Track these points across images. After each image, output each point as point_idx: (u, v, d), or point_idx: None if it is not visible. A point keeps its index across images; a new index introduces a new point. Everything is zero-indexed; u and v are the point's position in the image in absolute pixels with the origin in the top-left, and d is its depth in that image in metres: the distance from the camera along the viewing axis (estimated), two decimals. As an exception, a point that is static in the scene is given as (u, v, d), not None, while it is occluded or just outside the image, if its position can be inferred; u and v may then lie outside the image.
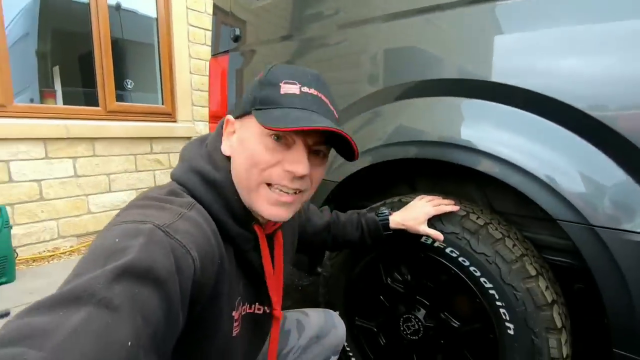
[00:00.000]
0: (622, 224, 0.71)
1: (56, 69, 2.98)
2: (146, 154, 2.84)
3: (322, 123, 0.53)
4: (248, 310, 0.69)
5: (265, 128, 0.53)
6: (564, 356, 0.83)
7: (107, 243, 0.42)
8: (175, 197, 0.54)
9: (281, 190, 0.57)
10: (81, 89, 2.93)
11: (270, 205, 0.58)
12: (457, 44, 0.95)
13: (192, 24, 3.02)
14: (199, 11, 3.05)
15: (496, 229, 0.90)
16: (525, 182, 0.82)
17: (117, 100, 2.72)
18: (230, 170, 0.60)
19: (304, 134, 0.55)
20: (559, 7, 0.79)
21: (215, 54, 1.68)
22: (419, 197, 1.00)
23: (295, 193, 0.59)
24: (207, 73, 3.17)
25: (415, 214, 0.93)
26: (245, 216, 0.60)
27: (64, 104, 2.58)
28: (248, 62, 1.57)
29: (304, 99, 0.56)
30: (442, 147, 0.96)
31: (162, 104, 3.00)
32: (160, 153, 2.93)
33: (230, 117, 0.62)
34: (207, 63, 3.17)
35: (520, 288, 0.83)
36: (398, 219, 0.94)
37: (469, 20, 0.92)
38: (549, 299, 0.83)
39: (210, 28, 3.13)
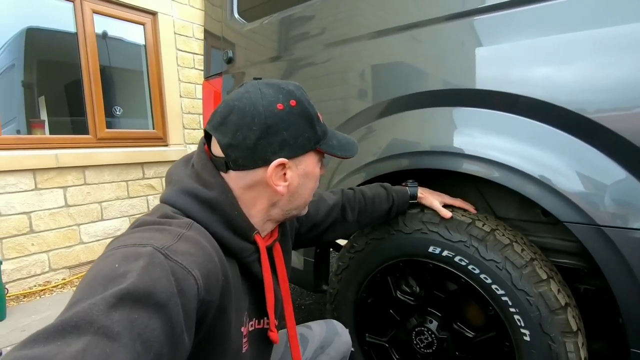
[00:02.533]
0: (629, 222, 0.72)
1: (42, 99, 2.95)
2: (138, 179, 2.81)
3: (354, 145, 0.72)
4: (257, 326, 0.68)
5: (345, 158, 0.68)
6: (582, 359, 0.82)
7: (106, 268, 0.41)
8: (171, 219, 0.54)
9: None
10: (68, 118, 2.90)
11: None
12: (440, 57, 0.99)
13: (180, 48, 3.04)
14: (186, 36, 3.08)
15: (503, 235, 0.90)
16: (529, 186, 0.83)
17: (107, 127, 2.69)
18: (223, 186, 0.59)
19: None
20: (528, 21, 0.84)
21: (207, 77, 1.69)
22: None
23: None
24: (197, 96, 3.19)
25: (433, 193, 1.03)
26: (247, 228, 0.60)
27: (51, 133, 2.55)
28: (239, 84, 1.58)
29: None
30: (433, 156, 0.99)
31: (153, 129, 2.99)
32: (153, 178, 2.90)
33: (285, 160, 0.59)
34: (196, 86, 3.19)
35: (532, 293, 0.83)
36: (420, 190, 1.03)
37: (448, 34, 0.97)
38: (562, 302, 0.82)
39: (198, 52, 3.17)
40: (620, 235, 0.73)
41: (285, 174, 0.61)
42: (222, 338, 0.56)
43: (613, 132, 0.74)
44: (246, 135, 0.56)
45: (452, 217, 0.95)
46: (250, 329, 0.66)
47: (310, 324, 0.95)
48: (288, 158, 0.59)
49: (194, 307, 0.45)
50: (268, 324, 0.70)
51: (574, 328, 0.82)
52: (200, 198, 0.57)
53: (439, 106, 0.99)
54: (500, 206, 1.08)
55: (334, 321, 0.98)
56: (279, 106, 0.58)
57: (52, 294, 2.24)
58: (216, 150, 0.60)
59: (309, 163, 0.64)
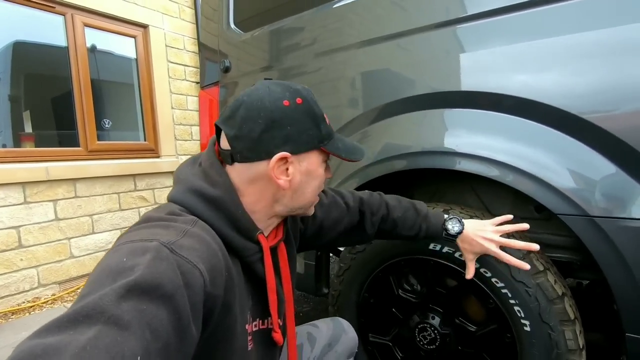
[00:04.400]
0: (618, 212, 0.77)
1: (27, 114, 2.91)
2: (130, 191, 2.78)
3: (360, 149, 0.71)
4: (261, 327, 0.69)
5: (350, 160, 0.68)
6: (580, 347, 0.85)
7: (114, 262, 0.43)
8: (177, 216, 0.56)
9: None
10: (57, 131, 2.86)
11: (314, 206, 0.73)
12: (428, 62, 1.04)
13: (171, 60, 3.06)
14: (178, 48, 3.10)
15: (500, 230, 0.94)
16: (525, 183, 0.87)
17: (97, 140, 2.67)
18: (229, 185, 0.61)
19: None
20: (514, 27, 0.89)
21: (204, 86, 1.71)
22: (494, 220, 0.89)
23: None
24: (188, 107, 3.20)
25: (475, 241, 0.86)
26: (250, 228, 0.61)
27: (38, 147, 2.51)
28: (233, 93, 1.61)
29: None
30: (424, 156, 1.03)
31: (145, 140, 2.97)
32: (145, 190, 2.87)
33: (286, 154, 0.60)
34: (188, 97, 3.20)
35: (531, 284, 0.87)
36: (463, 234, 0.87)
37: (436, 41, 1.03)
38: (560, 292, 0.86)
39: (189, 64, 3.20)
40: (611, 224, 0.78)
41: (287, 168, 0.62)
42: (228, 335, 0.57)
43: (603, 130, 0.78)
44: (251, 128, 0.58)
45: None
46: (255, 328, 0.67)
47: (316, 322, 0.96)
48: (291, 153, 0.61)
49: (201, 299, 0.47)
50: (272, 323, 0.70)
51: (572, 316, 0.85)
52: (205, 196, 0.59)
53: (443, 108, 1.03)
54: (495, 204, 1.12)
55: (340, 319, 0.99)
56: (285, 102, 0.60)
57: (41, 310, 2.18)
58: (224, 143, 0.62)
59: (312, 161, 0.64)
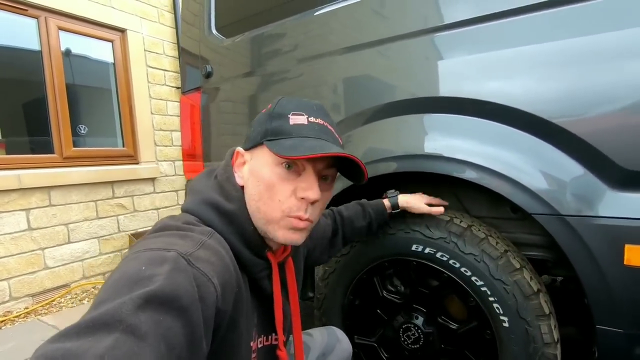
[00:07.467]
0: (587, 210, 0.81)
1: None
2: (108, 199, 2.70)
3: (334, 149, 0.56)
4: (265, 343, 0.68)
5: (281, 157, 0.55)
6: (555, 340, 0.89)
7: (132, 270, 0.43)
8: (194, 226, 0.56)
9: (298, 219, 0.59)
10: (30, 138, 2.76)
11: (287, 231, 0.60)
12: (408, 69, 1.07)
13: (150, 65, 3.01)
14: (157, 53, 3.06)
15: (479, 230, 0.97)
16: (503, 185, 0.91)
17: (72, 147, 2.59)
18: (243, 200, 0.61)
19: (313, 160, 0.58)
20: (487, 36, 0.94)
21: (185, 92, 1.70)
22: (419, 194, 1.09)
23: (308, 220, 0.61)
24: (168, 113, 3.15)
25: (418, 197, 1.05)
26: (260, 245, 0.62)
27: (9, 154, 2.41)
28: (214, 98, 1.60)
29: (312, 128, 0.60)
30: (406, 159, 1.05)
31: (123, 147, 2.91)
32: (123, 197, 2.80)
33: (239, 148, 0.64)
34: (168, 103, 3.15)
35: (508, 281, 0.90)
36: (404, 199, 1.04)
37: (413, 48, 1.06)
38: (535, 288, 0.90)
39: (169, 69, 3.15)
40: (580, 222, 0.82)
41: (243, 164, 0.64)
42: (233, 351, 0.57)
43: (572, 134, 0.83)
44: None
45: (443, 212, 1.01)
46: (259, 345, 0.66)
47: (311, 331, 0.97)
48: (245, 149, 0.64)
49: (212, 314, 0.47)
50: (276, 340, 0.70)
51: (547, 311, 0.89)
52: (220, 209, 0.59)
53: (423, 113, 1.06)
54: (473, 206, 1.16)
55: (334, 328, 1.00)
56: (264, 110, 0.64)
57: (13, 324, 2.08)
58: None
59: (258, 160, 0.61)
